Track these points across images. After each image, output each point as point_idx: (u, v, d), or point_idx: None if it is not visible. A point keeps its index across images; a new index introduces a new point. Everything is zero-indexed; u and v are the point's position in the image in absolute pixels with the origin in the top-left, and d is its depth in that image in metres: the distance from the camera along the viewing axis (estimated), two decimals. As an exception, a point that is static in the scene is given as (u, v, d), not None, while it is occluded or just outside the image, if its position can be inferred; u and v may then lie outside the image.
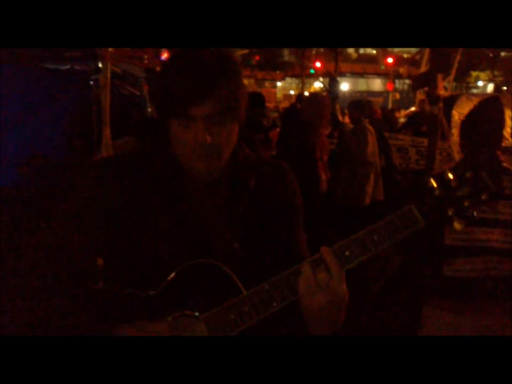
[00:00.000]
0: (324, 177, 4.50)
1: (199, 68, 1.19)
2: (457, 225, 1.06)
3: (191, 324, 1.22)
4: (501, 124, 2.26)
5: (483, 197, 1.03)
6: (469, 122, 2.25)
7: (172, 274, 1.22)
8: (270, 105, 14.74)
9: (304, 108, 4.87)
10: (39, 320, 1.19)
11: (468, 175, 1.06)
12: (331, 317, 1.19)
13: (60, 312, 1.20)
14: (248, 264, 1.29)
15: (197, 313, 1.22)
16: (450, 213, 1.07)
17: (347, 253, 1.17)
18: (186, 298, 1.23)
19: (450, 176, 1.09)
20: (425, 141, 8.61)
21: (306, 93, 18.46)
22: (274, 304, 1.19)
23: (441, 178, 1.10)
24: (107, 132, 5.36)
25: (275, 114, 13.40)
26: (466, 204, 1.06)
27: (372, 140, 5.43)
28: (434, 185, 1.11)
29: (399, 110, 18.22)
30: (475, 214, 1.03)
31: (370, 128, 5.59)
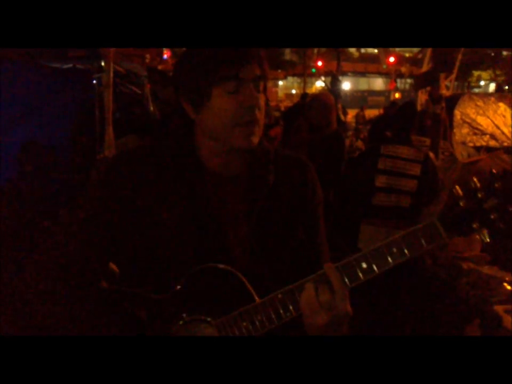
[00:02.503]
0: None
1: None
2: (483, 239, 1.02)
3: (202, 329, 1.21)
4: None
5: (511, 209, 0.99)
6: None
7: (185, 278, 1.20)
8: (271, 104, 14.75)
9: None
10: (47, 322, 1.18)
11: (496, 185, 1.01)
12: (332, 333, 1.16)
13: (68, 312, 1.19)
14: (264, 262, 1.26)
15: (209, 319, 1.20)
16: (475, 226, 1.03)
17: (364, 265, 1.13)
18: (199, 303, 1.21)
19: (478, 185, 1.04)
20: (428, 140, 8.59)
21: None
22: (288, 314, 1.17)
23: (467, 187, 1.05)
24: (110, 130, 5.34)
25: (276, 113, 13.42)
26: (493, 216, 1.01)
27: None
28: (460, 193, 1.06)
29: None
30: (502, 226, 0.99)
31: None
